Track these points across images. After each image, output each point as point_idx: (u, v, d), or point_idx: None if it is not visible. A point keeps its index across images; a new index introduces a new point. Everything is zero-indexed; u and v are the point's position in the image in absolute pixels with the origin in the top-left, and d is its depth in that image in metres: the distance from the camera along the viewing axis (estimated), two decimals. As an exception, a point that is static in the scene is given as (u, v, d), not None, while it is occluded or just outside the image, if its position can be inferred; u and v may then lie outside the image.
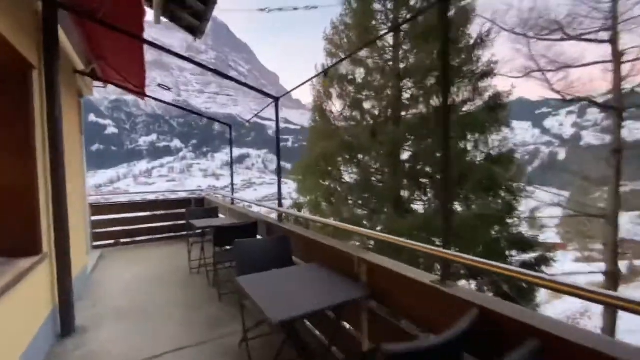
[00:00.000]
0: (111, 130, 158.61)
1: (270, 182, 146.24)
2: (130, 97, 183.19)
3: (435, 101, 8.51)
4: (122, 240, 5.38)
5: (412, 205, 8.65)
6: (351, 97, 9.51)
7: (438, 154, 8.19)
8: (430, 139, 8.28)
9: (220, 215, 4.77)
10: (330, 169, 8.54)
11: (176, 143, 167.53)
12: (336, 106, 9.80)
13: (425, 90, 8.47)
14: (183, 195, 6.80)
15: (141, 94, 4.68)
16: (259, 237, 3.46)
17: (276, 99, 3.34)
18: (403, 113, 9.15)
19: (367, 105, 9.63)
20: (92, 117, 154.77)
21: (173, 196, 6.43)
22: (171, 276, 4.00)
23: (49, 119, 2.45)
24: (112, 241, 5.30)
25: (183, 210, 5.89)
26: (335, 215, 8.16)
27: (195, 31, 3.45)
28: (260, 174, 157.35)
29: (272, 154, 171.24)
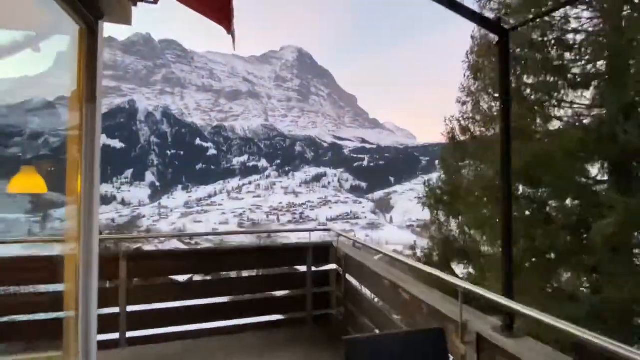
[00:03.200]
0: (212, 152, 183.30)
1: (345, 201, 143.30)
2: (228, 123, 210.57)
3: None
4: (181, 329, 2.59)
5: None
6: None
7: None
8: None
9: None
10: (539, 191, 4.48)
11: (263, 162, 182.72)
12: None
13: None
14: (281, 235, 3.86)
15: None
16: None
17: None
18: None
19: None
20: (197, 141, 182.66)
21: (268, 232, 3.46)
22: None
23: None
24: (162, 331, 2.56)
25: (295, 271, 2.88)
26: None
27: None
28: (336, 192, 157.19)
29: (347, 173, 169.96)
